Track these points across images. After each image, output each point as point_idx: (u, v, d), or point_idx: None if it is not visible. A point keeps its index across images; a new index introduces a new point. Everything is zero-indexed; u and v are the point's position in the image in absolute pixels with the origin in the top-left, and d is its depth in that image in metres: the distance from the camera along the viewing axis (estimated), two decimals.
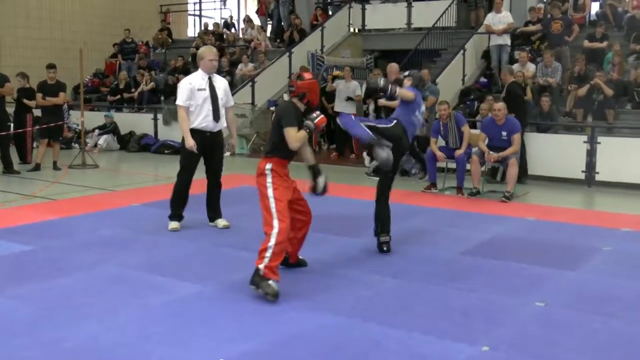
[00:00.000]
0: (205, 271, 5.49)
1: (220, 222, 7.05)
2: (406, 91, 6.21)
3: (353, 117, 6.28)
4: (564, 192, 9.83)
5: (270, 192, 4.96)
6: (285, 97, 15.31)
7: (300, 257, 5.57)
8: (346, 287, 5.13)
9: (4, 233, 6.73)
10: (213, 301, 4.76)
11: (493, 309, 4.69)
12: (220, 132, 6.98)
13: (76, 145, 14.30)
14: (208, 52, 6.95)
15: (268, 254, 4.76)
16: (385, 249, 6.11)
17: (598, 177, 10.18)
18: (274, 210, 4.90)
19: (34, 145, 12.44)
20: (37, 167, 11.41)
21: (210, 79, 6.87)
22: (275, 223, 4.84)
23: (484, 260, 5.95)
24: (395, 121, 6.12)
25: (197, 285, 5.03)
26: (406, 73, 6.73)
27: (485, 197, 9.28)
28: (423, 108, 6.48)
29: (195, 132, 6.75)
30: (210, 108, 6.79)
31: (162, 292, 4.94)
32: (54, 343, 3.99)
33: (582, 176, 10.27)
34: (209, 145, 6.86)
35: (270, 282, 4.72)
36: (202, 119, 6.78)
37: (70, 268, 5.55)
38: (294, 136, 5.02)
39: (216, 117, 6.82)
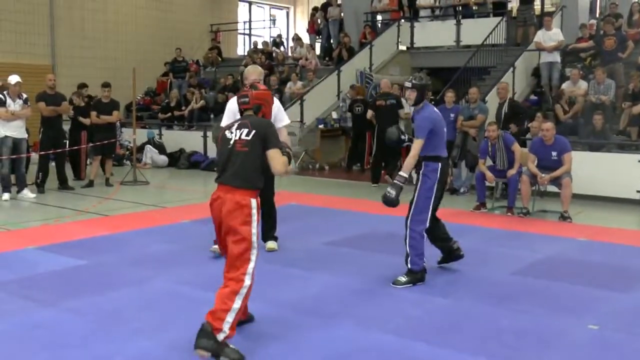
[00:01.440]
0: (254, 288, 5.52)
1: (268, 244, 6.83)
2: (415, 143, 5.64)
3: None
4: (617, 212, 9.61)
5: (254, 232, 4.12)
6: (335, 114, 15.39)
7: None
8: (395, 306, 5.11)
9: (59, 248, 6.90)
10: (262, 317, 4.77)
11: (545, 331, 4.60)
12: None
13: (128, 162, 14.59)
14: (252, 72, 6.56)
15: (230, 318, 3.96)
16: (462, 253, 6.21)
17: None
18: (253, 258, 4.12)
19: (88, 162, 12.74)
20: (90, 184, 11.68)
21: None
22: (248, 278, 4.08)
23: (536, 281, 5.85)
24: (440, 165, 5.71)
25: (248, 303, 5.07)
26: (407, 83, 5.81)
27: (536, 216, 9.14)
28: (452, 117, 6.14)
29: None
30: None
31: (193, 309, 4.96)
32: (106, 357, 4.06)
33: (637, 196, 10.03)
34: None
35: (232, 347, 4.00)
36: None
37: (122, 283, 5.65)
38: (284, 159, 4.27)
39: None
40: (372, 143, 14.64)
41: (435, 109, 5.91)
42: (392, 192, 5.54)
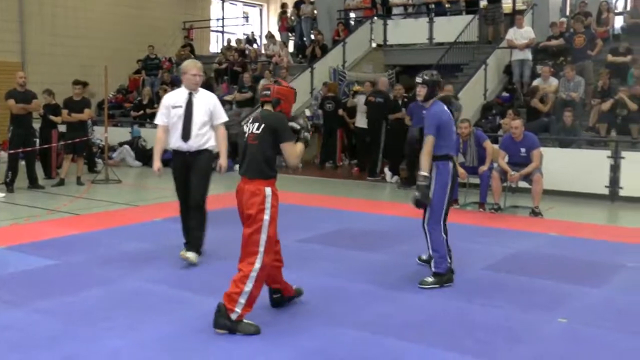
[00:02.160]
0: (227, 286, 5.50)
1: (186, 255, 6.17)
2: (427, 140, 5.63)
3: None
4: (587, 207, 9.73)
5: (266, 218, 4.36)
6: (308, 112, 15.40)
7: (294, 286, 5.01)
8: (367, 302, 5.12)
9: (28, 247, 6.81)
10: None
11: (515, 325, 4.64)
12: (203, 151, 6.30)
13: (100, 161, 14.44)
14: (191, 67, 6.32)
15: (243, 299, 4.30)
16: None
17: (622, 192, 10.08)
18: (263, 242, 4.34)
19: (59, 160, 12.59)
20: (61, 182, 11.55)
21: (190, 95, 6.28)
22: (259, 260, 4.32)
23: (507, 276, 5.91)
24: (450, 165, 5.69)
25: (219, 300, 5.04)
26: (418, 78, 5.80)
27: (507, 212, 9.23)
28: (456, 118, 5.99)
29: (174, 153, 6.41)
30: (181, 126, 6.24)
31: (184, 308, 4.95)
32: (76, 357, 4.02)
33: (606, 191, 10.17)
34: (188, 166, 6.32)
35: (245, 321, 4.35)
36: (176, 139, 6.28)
37: (93, 282, 5.59)
38: (296, 152, 4.52)
39: (184, 135, 6.21)
40: (343, 140, 14.74)
41: (445, 107, 5.80)
42: (418, 194, 5.54)
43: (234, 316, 4.30)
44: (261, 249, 4.34)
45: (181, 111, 6.22)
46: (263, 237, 4.34)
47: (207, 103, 6.35)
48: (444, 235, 5.72)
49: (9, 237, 7.36)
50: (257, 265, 4.32)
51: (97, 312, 4.85)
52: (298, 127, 4.59)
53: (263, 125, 4.43)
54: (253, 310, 4.44)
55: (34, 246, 6.87)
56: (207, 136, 6.32)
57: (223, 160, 6.49)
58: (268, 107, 4.58)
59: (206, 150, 6.33)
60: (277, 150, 4.46)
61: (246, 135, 4.51)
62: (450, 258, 5.70)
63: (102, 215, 8.89)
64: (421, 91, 5.72)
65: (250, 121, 4.56)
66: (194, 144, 6.24)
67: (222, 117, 6.50)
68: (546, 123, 11.75)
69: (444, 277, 5.61)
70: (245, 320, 4.35)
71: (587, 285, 5.63)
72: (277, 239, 4.60)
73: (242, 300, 4.29)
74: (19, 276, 5.80)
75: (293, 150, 4.48)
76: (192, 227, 6.34)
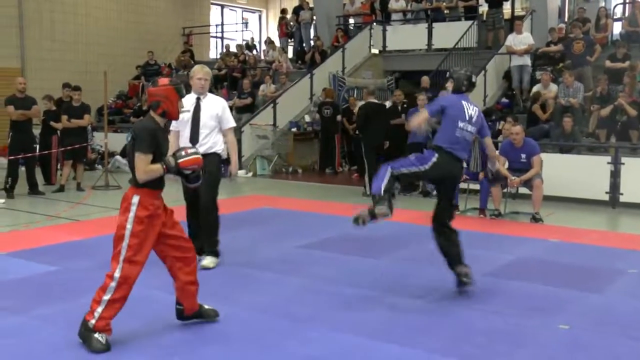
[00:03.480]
0: (227, 292, 5.50)
1: (204, 261, 6.19)
2: (413, 119, 5.71)
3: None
4: (587, 213, 9.73)
5: (128, 227, 4.19)
6: (307, 118, 15.41)
7: (205, 305, 4.69)
8: (367, 308, 5.12)
9: (28, 254, 6.80)
10: (234, 321, 4.75)
11: (516, 331, 4.64)
12: (211, 155, 6.23)
13: (99, 167, 14.44)
14: (197, 71, 6.39)
15: (100, 308, 4.13)
16: (465, 280, 5.48)
17: (622, 199, 10.07)
18: (123, 251, 4.17)
19: (58, 166, 12.58)
20: (61, 189, 11.54)
21: (198, 99, 6.33)
22: (118, 271, 4.16)
23: (507, 282, 5.90)
24: (436, 155, 5.42)
25: (220, 306, 5.03)
26: (448, 74, 5.89)
27: (507, 218, 9.24)
28: (470, 114, 5.54)
29: None
30: (189, 131, 6.28)
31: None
32: None
33: (606, 197, 10.17)
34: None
35: (97, 336, 4.14)
36: (184, 143, 6.16)
37: (93, 289, 5.53)
38: (142, 166, 4.18)
39: (192, 140, 6.20)
40: (343, 145, 14.75)
41: (461, 99, 5.58)
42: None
43: (90, 324, 4.16)
44: (121, 257, 4.18)
45: (189, 115, 6.22)
46: (124, 243, 4.20)
47: (215, 108, 6.37)
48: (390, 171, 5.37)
49: (8, 243, 7.35)
50: (115, 278, 4.20)
51: None
52: (172, 164, 4.30)
53: (131, 133, 4.27)
54: (254, 315, 4.43)
55: (34, 252, 6.87)
56: (214, 140, 6.33)
57: (234, 166, 6.56)
58: (152, 112, 4.35)
59: (214, 154, 6.31)
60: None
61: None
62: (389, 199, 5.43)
63: (103, 221, 8.88)
64: (449, 86, 5.76)
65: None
66: (201, 148, 6.16)
67: (231, 122, 6.52)
68: (546, 129, 11.76)
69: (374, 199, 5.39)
70: (97, 335, 4.15)
71: (588, 291, 5.63)
72: (175, 231, 4.44)
73: (100, 308, 4.17)
74: (19, 282, 5.79)
75: (140, 163, 4.17)
76: (204, 231, 6.33)
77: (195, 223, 6.44)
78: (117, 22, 19.93)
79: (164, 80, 4.48)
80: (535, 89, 12.83)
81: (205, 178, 6.13)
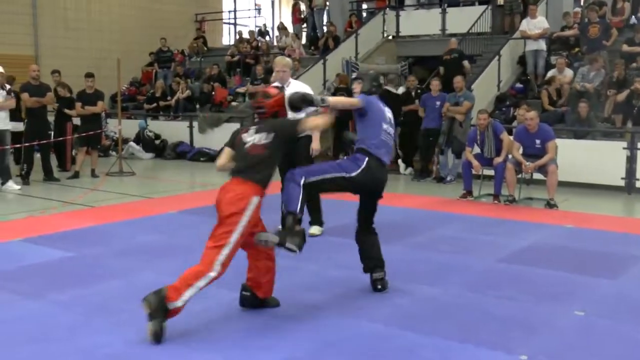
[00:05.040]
0: (241, 277, 5.51)
1: (310, 230, 6.92)
2: (341, 98, 5.26)
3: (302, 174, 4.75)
4: (602, 199, 9.68)
5: (242, 225, 4.21)
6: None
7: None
8: (382, 295, 5.11)
9: (44, 240, 6.86)
10: (249, 308, 4.76)
11: (531, 317, 4.63)
12: (301, 138, 6.24)
13: (114, 153, 14.51)
14: (276, 63, 6.92)
15: (189, 293, 4.12)
16: (379, 287, 5.13)
17: (638, 184, 10.00)
18: (230, 247, 4.20)
19: (73, 153, 12.65)
20: (76, 175, 11.61)
21: (282, 89, 6.16)
22: (218, 264, 4.17)
23: (522, 268, 5.88)
24: (366, 159, 4.81)
25: (234, 292, 5.04)
26: (354, 75, 5.65)
27: (522, 204, 9.20)
28: (390, 117, 5.11)
29: None
30: None
31: (199, 299, 4.95)
32: (93, 349, 4.04)
33: (622, 183, 10.11)
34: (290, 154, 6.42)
35: (165, 322, 4.09)
36: None
37: (108, 275, 5.63)
38: (315, 120, 4.61)
39: None
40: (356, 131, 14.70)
41: (379, 101, 5.19)
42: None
43: (169, 307, 4.08)
44: (221, 256, 4.20)
45: None
46: (229, 244, 4.22)
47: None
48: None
49: (24, 229, 7.42)
50: (212, 273, 4.21)
51: (114, 304, 4.88)
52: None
53: (274, 134, 4.44)
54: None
55: (50, 238, 6.92)
56: None
57: (316, 144, 6.93)
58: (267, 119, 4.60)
59: (304, 137, 6.50)
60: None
61: (247, 145, 4.43)
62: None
63: (117, 207, 8.94)
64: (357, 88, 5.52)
65: (253, 131, 4.47)
66: None
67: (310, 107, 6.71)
68: (560, 114, 11.67)
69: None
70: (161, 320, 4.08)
71: (603, 277, 5.60)
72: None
73: (189, 293, 4.13)
74: (35, 268, 5.84)
75: (311, 120, 4.62)
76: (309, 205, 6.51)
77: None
78: (130, 10, 19.95)
79: (273, 90, 4.83)
80: (550, 74, 12.72)
81: (299, 162, 6.35)
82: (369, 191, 5.02)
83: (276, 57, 7.20)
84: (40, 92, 11.07)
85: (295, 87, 6.65)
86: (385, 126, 4.99)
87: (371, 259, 5.17)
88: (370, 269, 5.17)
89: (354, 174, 4.75)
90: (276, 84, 6.76)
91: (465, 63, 13.76)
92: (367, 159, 4.80)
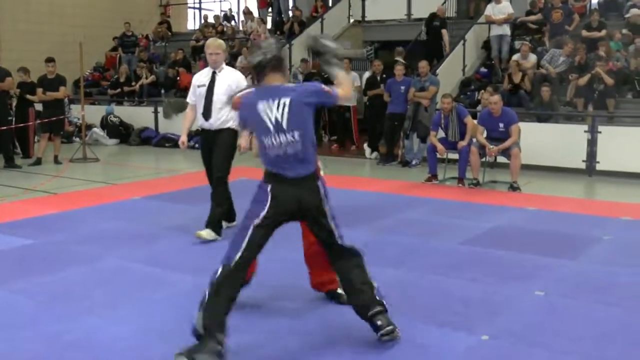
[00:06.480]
0: (205, 264, 5.49)
1: (199, 232, 6.20)
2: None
3: None
4: (564, 182, 9.83)
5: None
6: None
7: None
8: None
9: (5, 227, 6.75)
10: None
11: (493, 298, 4.70)
12: (226, 129, 6.24)
13: (77, 139, 14.32)
14: (208, 45, 6.42)
15: None
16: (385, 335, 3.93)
17: (599, 167, 10.18)
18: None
19: (36, 139, 12.45)
20: (38, 162, 11.43)
21: (214, 73, 6.31)
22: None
23: (484, 250, 5.96)
24: (269, 188, 3.79)
25: (198, 279, 5.02)
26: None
27: (486, 187, 9.30)
28: (278, 115, 3.75)
29: (200, 132, 6.49)
30: (203, 105, 6.29)
31: (163, 286, 4.95)
32: (55, 336, 4.01)
33: (583, 166, 10.27)
34: (212, 143, 6.30)
35: None
36: (200, 117, 6.32)
37: (71, 261, 5.57)
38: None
39: (205, 114, 6.25)
40: (324, 116, 14.71)
41: (252, 94, 4.06)
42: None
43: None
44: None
45: (203, 90, 6.27)
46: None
47: (229, 82, 6.24)
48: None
49: None
50: None
51: (77, 291, 4.84)
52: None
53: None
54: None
55: (11, 226, 6.82)
56: (229, 114, 6.19)
57: (243, 140, 6.01)
58: None
59: (229, 129, 6.27)
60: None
61: None
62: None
63: (80, 194, 8.83)
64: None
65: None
66: (214, 122, 6.24)
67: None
68: (520, 98, 11.77)
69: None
70: None
71: (564, 258, 5.70)
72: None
73: None
74: None
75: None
76: (213, 201, 6.34)
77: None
78: None
79: None
80: (514, 58, 12.84)
81: (217, 152, 6.24)
82: (297, 219, 4.03)
83: (208, 40, 6.77)
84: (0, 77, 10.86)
85: (226, 73, 6.36)
86: (267, 140, 3.69)
87: (360, 293, 3.94)
88: (365, 312, 3.90)
89: (263, 213, 3.73)
90: (207, 69, 6.42)
91: (444, 32, 14.08)
92: (269, 186, 3.75)
